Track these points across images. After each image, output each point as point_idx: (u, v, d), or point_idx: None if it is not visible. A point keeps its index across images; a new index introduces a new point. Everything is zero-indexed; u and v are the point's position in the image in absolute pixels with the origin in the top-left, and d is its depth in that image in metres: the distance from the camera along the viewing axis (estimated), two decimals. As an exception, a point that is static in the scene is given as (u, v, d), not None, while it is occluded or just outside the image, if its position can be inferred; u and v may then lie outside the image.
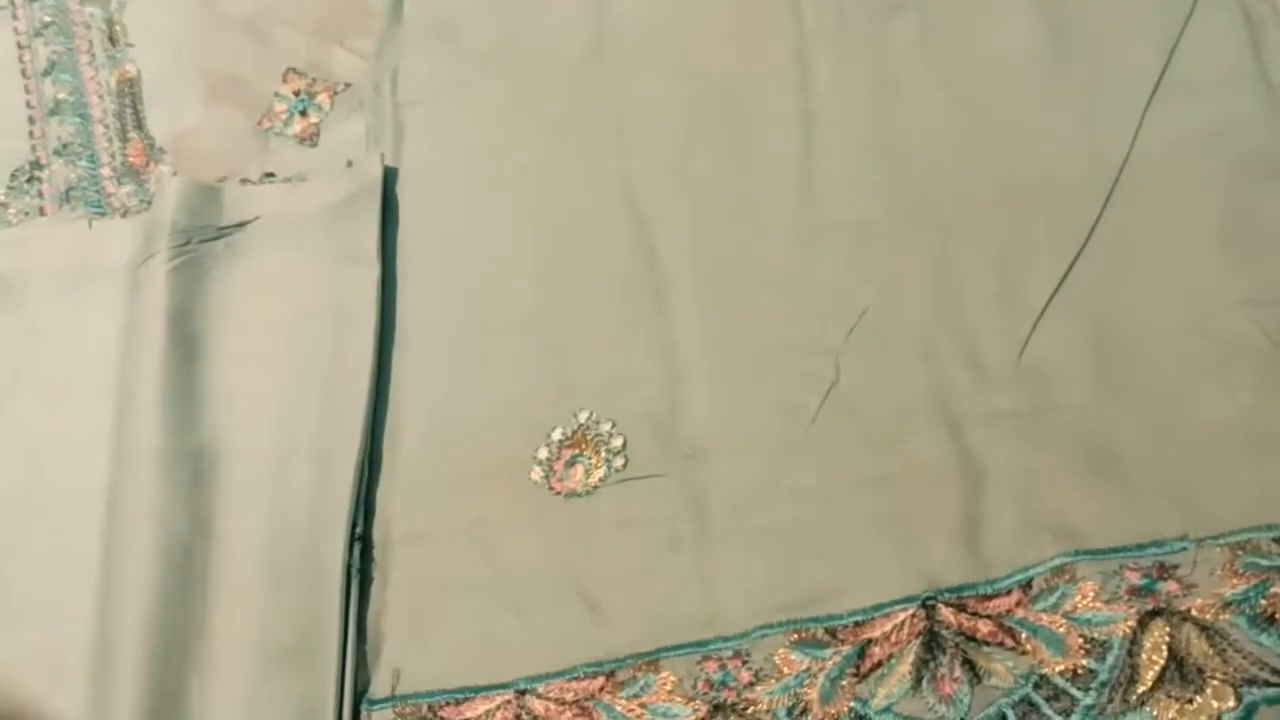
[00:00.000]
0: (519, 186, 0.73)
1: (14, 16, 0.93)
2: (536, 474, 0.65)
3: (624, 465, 0.64)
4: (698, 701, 0.57)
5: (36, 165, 0.87)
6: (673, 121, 0.73)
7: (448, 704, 0.60)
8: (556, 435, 0.66)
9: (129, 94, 0.88)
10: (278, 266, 0.74)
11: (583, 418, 0.66)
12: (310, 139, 0.81)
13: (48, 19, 0.92)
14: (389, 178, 0.75)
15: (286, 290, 0.73)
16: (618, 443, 0.65)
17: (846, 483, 0.60)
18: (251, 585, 0.65)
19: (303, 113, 0.82)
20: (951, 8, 0.70)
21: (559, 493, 0.64)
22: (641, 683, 0.58)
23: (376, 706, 0.61)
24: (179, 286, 0.73)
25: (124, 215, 0.82)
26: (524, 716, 0.58)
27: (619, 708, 0.58)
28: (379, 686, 0.61)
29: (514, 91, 0.76)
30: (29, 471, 0.71)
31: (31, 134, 0.89)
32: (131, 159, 0.85)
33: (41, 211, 0.85)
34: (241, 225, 0.75)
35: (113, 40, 0.90)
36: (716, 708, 0.57)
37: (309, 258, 0.74)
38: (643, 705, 0.57)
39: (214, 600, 0.65)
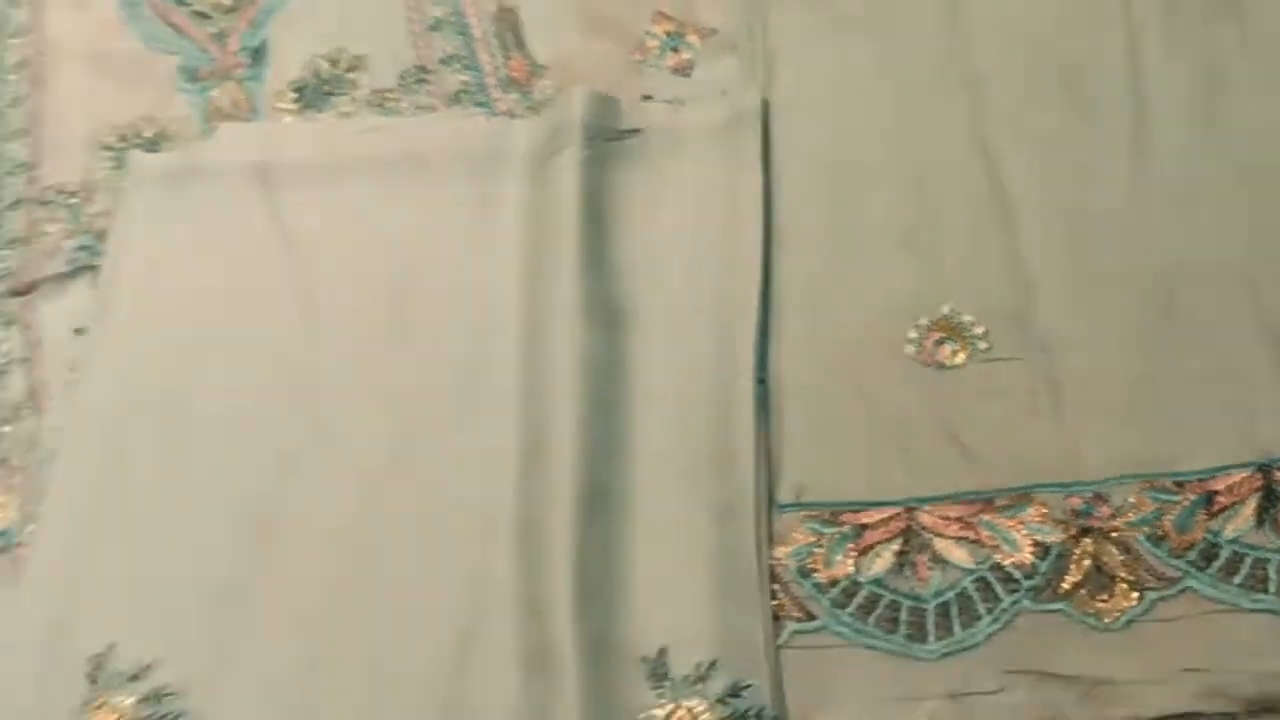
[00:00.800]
0: (882, 126, 0.87)
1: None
2: (909, 350, 0.78)
3: (987, 349, 0.78)
4: (1068, 524, 0.70)
5: (423, 70, 1.01)
6: (1016, 89, 0.87)
7: (846, 511, 0.73)
8: (924, 321, 0.79)
9: (508, 20, 1.02)
10: (670, 170, 0.88)
11: (945, 309, 0.80)
12: (684, 71, 0.95)
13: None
14: (764, 107, 0.89)
15: (680, 190, 0.87)
16: (979, 330, 0.79)
17: (1185, 377, 0.73)
18: (668, 407, 0.78)
19: (674, 49, 0.96)
20: (1271, 20, 0.86)
21: (929, 365, 0.78)
22: (1016, 509, 0.71)
23: (785, 509, 0.73)
24: (589, 175, 0.86)
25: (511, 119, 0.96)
26: (913, 525, 0.72)
27: (999, 524, 0.71)
28: (784, 496, 0.74)
29: (877, 51, 0.90)
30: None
31: (415, 45, 1.03)
32: (514, 73, 0.99)
33: (432, 109, 0.99)
34: (636, 131, 0.89)
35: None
36: (1085, 530, 0.70)
37: (697, 165, 0.87)
38: (1021, 523, 0.71)
39: (634, 416, 0.78)
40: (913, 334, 0.78)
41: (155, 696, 0.75)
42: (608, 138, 0.88)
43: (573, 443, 0.76)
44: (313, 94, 1.02)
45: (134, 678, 0.75)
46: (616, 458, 0.76)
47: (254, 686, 0.74)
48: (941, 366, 0.77)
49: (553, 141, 0.89)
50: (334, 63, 1.03)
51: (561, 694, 0.69)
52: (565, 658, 0.69)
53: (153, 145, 1.01)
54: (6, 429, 0.89)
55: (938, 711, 0.66)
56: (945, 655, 0.67)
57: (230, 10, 1.09)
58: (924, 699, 0.67)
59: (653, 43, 0.97)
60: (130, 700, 0.74)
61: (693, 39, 0.97)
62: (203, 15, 1.09)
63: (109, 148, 1.03)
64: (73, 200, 1.00)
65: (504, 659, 0.71)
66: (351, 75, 1.02)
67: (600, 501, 0.75)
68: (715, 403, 0.77)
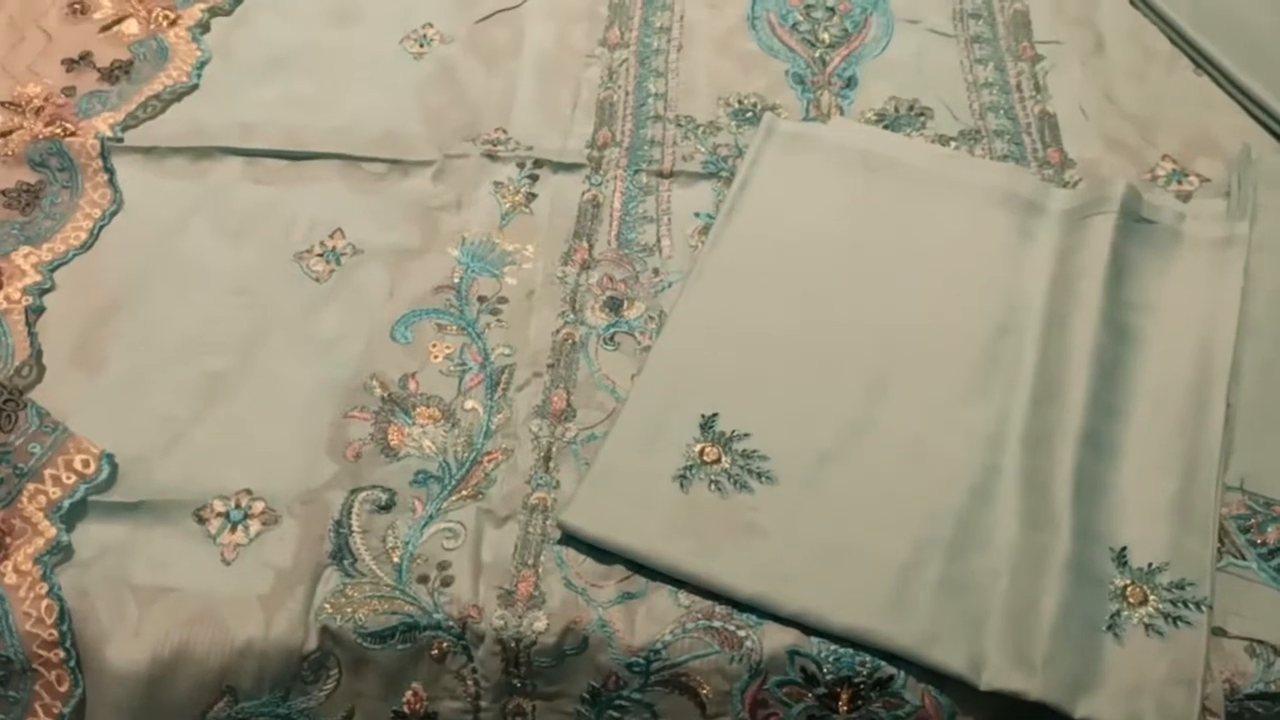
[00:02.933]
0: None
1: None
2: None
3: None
4: None
5: (978, 133, 1.37)
6: None
7: (1276, 505, 1.02)
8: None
9: (1049, 121, 1.37)
10: (1171, 261, 1.20)
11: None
12: (1183, 198, 1.28)
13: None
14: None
15: (1177, 273, 1.19)
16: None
17: None
18: (1155, 400, 1.09)
19: (1178, 182, 1.30)
20: None
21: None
22: None
23: (1229, 490, 1.03)
24: (1119, 235, 1.19)
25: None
26: (1324, 530, 1.01)
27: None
28: (1230, 480, 1.04)
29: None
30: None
31: (972, 114, 1.39)
32: (1050, 159, 1.34)
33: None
34: (1153, 222, 1.22)
35: (1037, 88, 1.40)
36: None
37: (1192, 264, 1.19)
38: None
39: (1129, 400, 1.09)
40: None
41: (745, 454, 1.06)
42: (1135, 218, 1.22)
43: (1081, 397, 1.06)
44: (890, 123, 1.37)
45: (731, 437, 1.07)
46: (1111, 417, 1.07)
47: (816, 463, 1.04)
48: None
49: (1091, 207, 1.22)
50: (909, 108, 1.39)
51: (1055, 546, 0.98)
52: (1060, 524, 0.99)
53: (760, 116, 1.37)
54: (644, 256, 1.23)
55: (1324, 647, 0.94)
56: (1342, 613, 0.96)
57: (830, 46, 1.46)
58: (1314, 634, 0.95)
59: (1161, 171, 1.31)
60: (729, 451, 1.05)
61: (1192, 179, 1.31)
62: (810, 42, 1.47)
63: (728, 104, 1.39)
64: (700, 129, 1.36)
65: (1009, 515, 1.01)
66: (920, 119, 1.38)
67: (1095, 441, 1.05)
68: (1192, 403, 1.07)
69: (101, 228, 1.23)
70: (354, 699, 0.96)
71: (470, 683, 0.96)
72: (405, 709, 0.97)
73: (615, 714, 0.96)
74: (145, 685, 0.92)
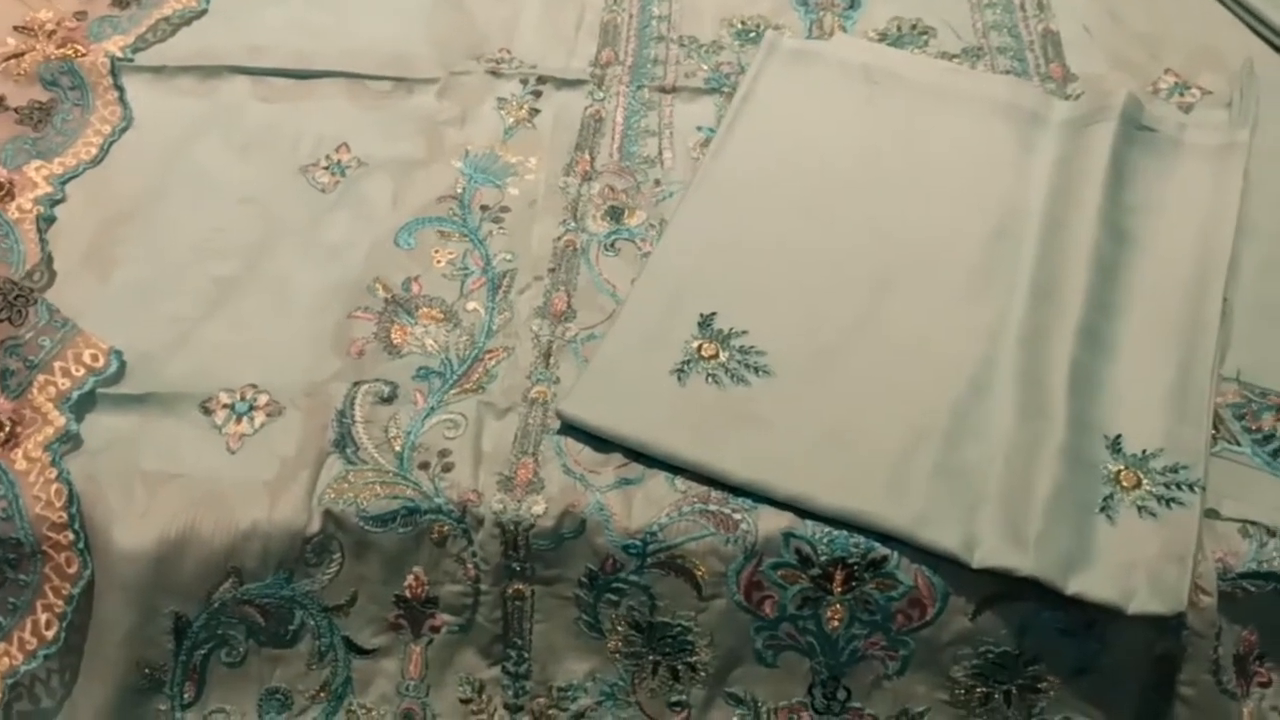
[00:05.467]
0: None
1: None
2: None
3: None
4: None
5: (981, 50, 1.37)
6: None
7: (1273, 395, 1.03)
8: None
9: (1052, 38, 1.37)
10: (1171, 165, 1.20)
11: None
12: (1185, 109, 1.29)
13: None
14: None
15: (1177, 176, 1.19)
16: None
17: None
18: (1152, 297, 1.09)
19: (1180, 94, 1.30)
20: None
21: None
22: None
23: (1225, 380, 1.04)
24: (1119, 140, 1.19)
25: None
26: (1319, 418, 1.01)
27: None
28: (1226, 371, 1.04)
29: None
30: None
31: (975, 32, 1.39)
32: (1053, 74, 1.34)
33: (988, 74, 1.34)
34: (1154, 130, 1.23)
35: (1040, 7, 1.40)
36: None
37: (1193, 168, 1.20)
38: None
39: (1127, 298, 1.09)
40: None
41: (742, 350, 1.07)
42: (1136, 126, 1.22)
43: (1079, 295, 1.07)
44: (893, 42, 1.38)
45: (728, 334, 1.08)
46: (1109, 314, 1.07)
47: (814, 358, 1.05)
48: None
49: (1093, 115, 1.22)
50: (912, 27, 1.40)
51: (1050, 435, 0.98)
52: (1055, 414, 0.99)
53: (763, 36, 1.38)
54: (645, 168, 1.24)
55: (1311, 526, 0.95)
56: (1330, 496, 0.96)
57: (834, -32, 1.47)
58: (1307, 516, 0.95)
59: (1163, 85, 1.31)
60: (726, 347, 1.06)
61: (1194, 92, 1.31)
62: (815, -34, 1.47)
63: (732, 25, 1.40)
64: (703, 48, 1.37)
65: (1005, 406, 1.01)
66: (923, 38, 1.38)
67: (1093, 337, 1.05)
68: (1189, 300, 1.08)
69: (112, 143, 1.25)
70: (357, 583, 0.98)
71: (470, 566, 0.97)
72: (407, 593, 0.99)
73: (613, 597, 0.97)
74: (152, 565, 0.94)
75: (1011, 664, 0.94)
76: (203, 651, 0.98)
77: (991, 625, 0.93)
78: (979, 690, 0.96)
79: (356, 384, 1.03)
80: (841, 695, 0.98)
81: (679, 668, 0.98)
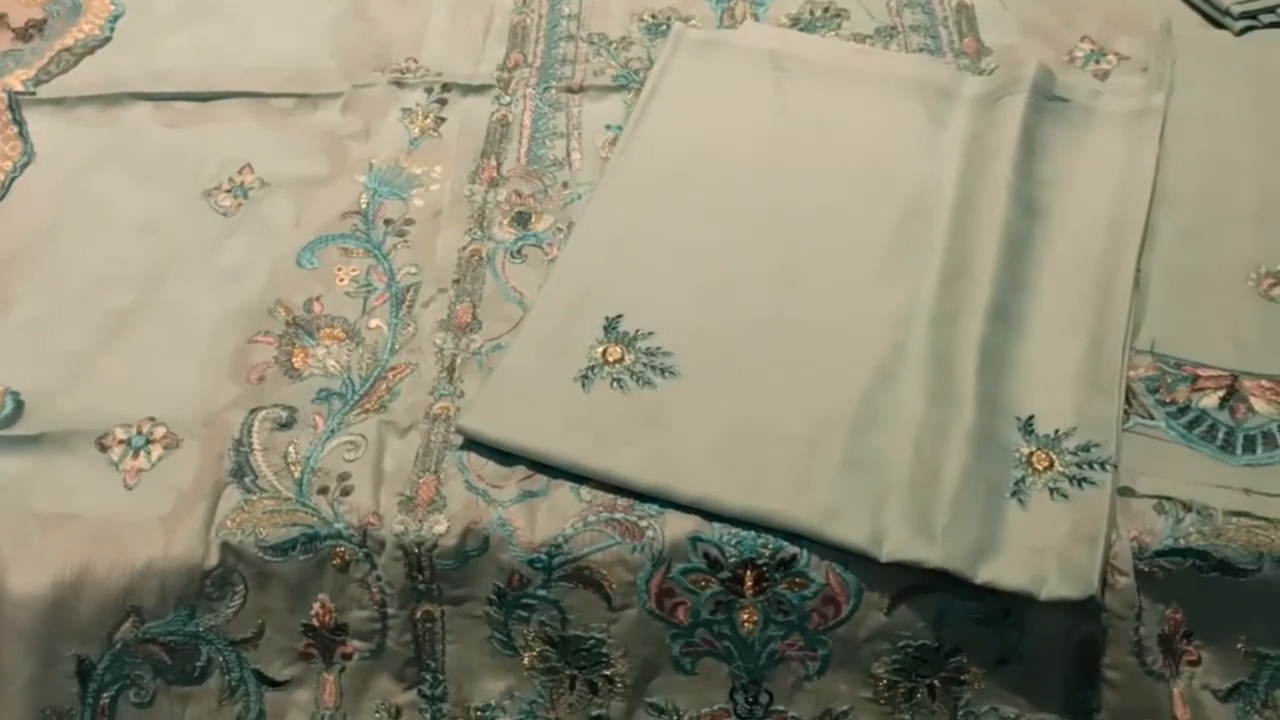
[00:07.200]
0: (1253, 144, 1.16)
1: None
2: (1249, 284, 1.06)
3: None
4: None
5: (894, 30, 1.35)
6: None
7: (1188, 365, 1.00)
8: (1262, 269, 1.07)
9: (965, 12, 1.35)
10: (1085, 135, 1.17)
11: (1280, 267, 1.07)
12: (1101, 77, 1.26)
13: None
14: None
15: (1091, 147, 1.17)
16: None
17: None
18: (1064, 274, 1.06)
19: (1096, 62, 1.27)
20: None
21: (1262, 296, 1.05)
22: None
23: (1140, 353, 1.01)
24: (1029, 113, 1.17)
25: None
26: (1235, 386, 0.99)
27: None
28: (1141, 344, 1.02)
29: (1255, 89, 1.20)
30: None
31: (889, 11, 1.37)
32: (966, 49, 1.31)
33: (900, 53, 1.32)
34: (1067, 100, 1.20)
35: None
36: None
37: (1107, 137, 1.17)
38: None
39: (1038, 275, 1.06)
40: (1252, 275, 1.06)
41: (649, 351, 1.04)
42: (1047, 96, 1.19)
43: (989, 273, 1.05)
44: (805, 26, 1.35)
45: (634, 336, 1.05)
46: (1020, 291, 1.05)
47: (721, 355, 1.03)
48: (1271, 300, 1.04)
49: (1004, 89, 1.20)
50: (825, 9, 1.37)
51: (959, 419, 0.96)
52: (965, 397, 0.97)
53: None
54: (554, 170, 1.22)
55: (1231, 499, 0.92)
56: (1246, 465, 0.94)
57: (746, -45, 1.44)
58: (1224, 488, 0.93)
59: (1079, 53, 1.29)
60: (632, 349, 1.04)
61: (1111, 58, 1.28)
62: (724, -46, 1.45)
63: (642, 19, 1.38)
64: (612, 45, 1.35)
65: (914, 392, 0.99)
66: (836, 20, 1.36)
67: (1003, 315, 1.03)
68: (1102, 272, 1.05)
69: (13, 179, 1.23)
70: (263, 614, 0.96)
71: (375, 590, 0.95)
72: (315, 621, 0.97)
73: (523, 613, 0.95)
74: (49, 609, 0.92)
75: (932, 657, 0.92)
76: (110, 694, 0.95)
77: (908, 619, 0.91)
78: (902, 686, 0.94)
79: (254, 410, 1.00)
80: (764, 699, 0.95)
81: (596, 681, 0.96)
